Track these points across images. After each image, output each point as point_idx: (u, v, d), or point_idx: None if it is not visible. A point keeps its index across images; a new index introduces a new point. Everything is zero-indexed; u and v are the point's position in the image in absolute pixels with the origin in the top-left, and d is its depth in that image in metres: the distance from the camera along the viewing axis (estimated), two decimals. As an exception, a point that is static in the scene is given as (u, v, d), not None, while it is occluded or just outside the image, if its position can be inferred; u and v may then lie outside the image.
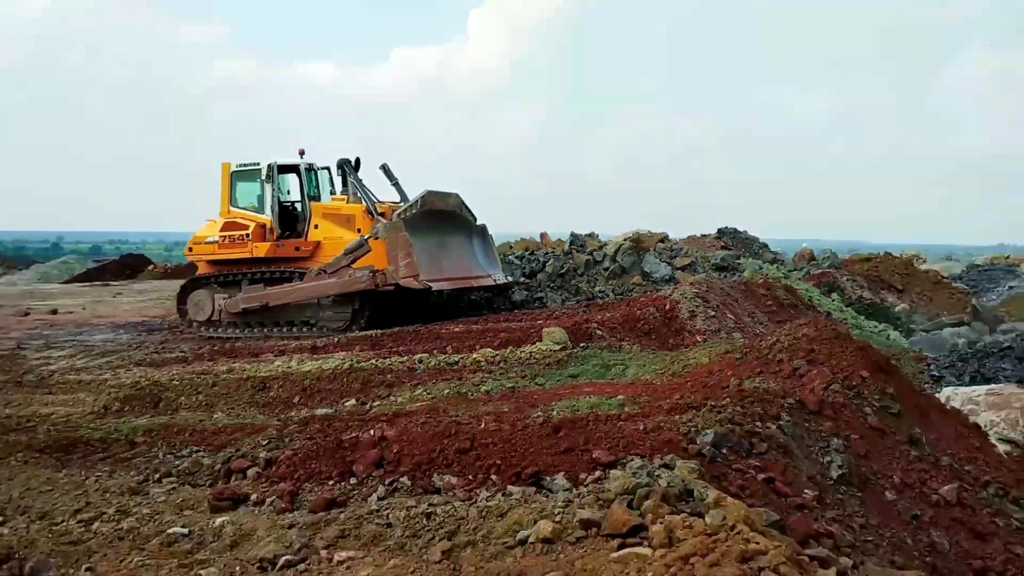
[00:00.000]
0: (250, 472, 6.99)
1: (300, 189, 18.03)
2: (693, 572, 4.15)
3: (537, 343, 12.48)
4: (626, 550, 4.66)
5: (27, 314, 22.19)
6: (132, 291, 30.08)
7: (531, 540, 4.99)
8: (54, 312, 22.37)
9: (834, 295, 21.00)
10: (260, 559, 5.13)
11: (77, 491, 6.80)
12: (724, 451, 6.27)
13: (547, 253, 22.18)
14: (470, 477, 6.20)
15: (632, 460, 6.04)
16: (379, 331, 15.16)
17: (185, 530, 5.69)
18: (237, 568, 5.05)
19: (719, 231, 28.38)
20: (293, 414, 9.58)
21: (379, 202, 17.25)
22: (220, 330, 17.03)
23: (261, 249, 17.05)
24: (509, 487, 5.93)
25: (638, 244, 21.73)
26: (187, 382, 11.26)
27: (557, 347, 12.15)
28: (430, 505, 5.70)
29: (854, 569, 5.42)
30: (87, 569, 5.09)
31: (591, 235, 23.42)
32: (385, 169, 18.00)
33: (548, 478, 6.00)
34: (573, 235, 23.29)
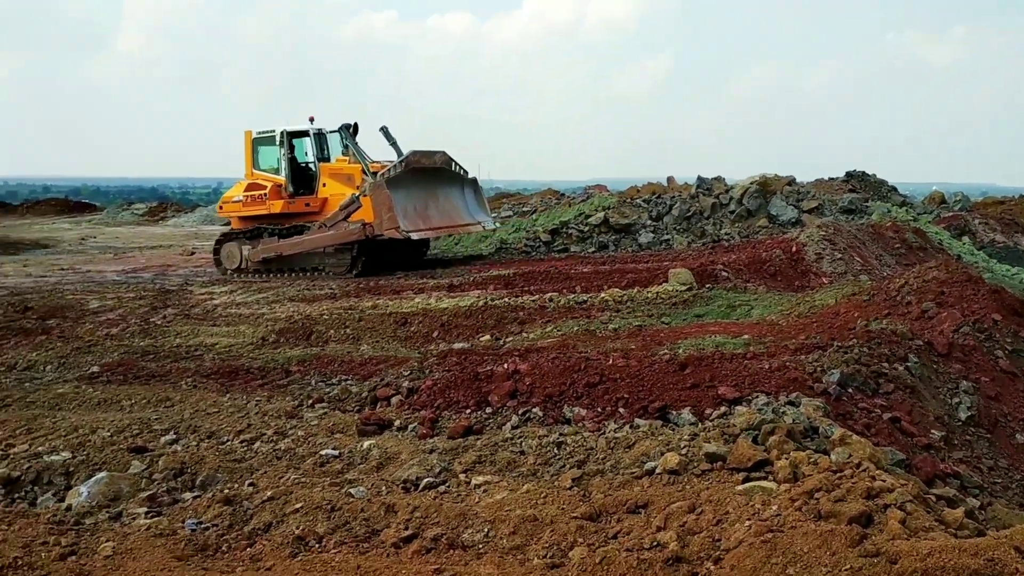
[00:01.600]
0: (394, 400, 7.47)
1: (305, 152, 20.04)
2: (818, 506, 4.27)
3: (663, 284, 12.60)
4: (751, 483, 4.83)
5: (192, 253, 23.95)
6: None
7: (657, 471, 5.22)
8: (216, 252, 24.09)
9: (965, 238, 20.10)
10: (404, 480, 5.55)
11: (239, 414, 7.42)
12: (850, 390, 6.34)
13: (673, 197, 22.02)
14: (599, 409, 6.47)
15: (757, 397, 6.18)
16: (511, 271, 15.64)
17: (336, 452, 6.17)
18: (383, 488, 5.47)
19: (847, 174, 27.37)
20: (432, 347, 10.07)
21: (374, 162, 18.87)
22: (248, 276, 19.11)
23: (276, 206, 19.14)
24: (636, 420, 6.18)
25: (764, 187, 21.29)
26: (336, 317, 11.95)
27: (683, 288, 12.24)
28: (561, 435, 6.00)
29: (981, 510, 5.46)
30: (249, 484, 5.60)
31: (717, 179, 23.03)
32: (384, 131, 19.68)
33: (674, 412, 6.22)
34: (700, 179, 22.97)
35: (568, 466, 5.52)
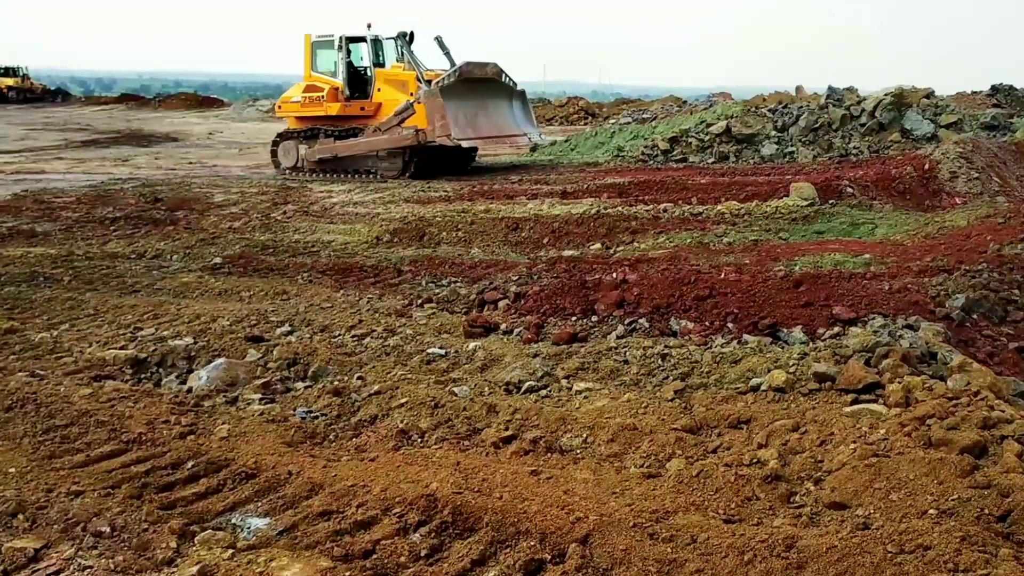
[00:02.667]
0: (501, 304, 7.54)
1: (362, 57, 20.47)
2: (928, 433, 4.13)
3: (784, 198, 12.18)
4: (859, 406, 4.71)
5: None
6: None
7: (763, 387, 5.14)
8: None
9: (1125, 160, 18.58)
10: (506, 382, 5.63)
11: (352, 310, 7.63)
12: (975, 316, 6.04)
13: (801, 107, 20.99)
14: (706, 323, 6.38)
15: (874, 319, 5.96)
16: (626, 180, 15.41)
17: (442, 351, 6.29)
18: (486, 388, 5.56)
19: (992, 88, 25.49)
20: (542, 254, 10.09)
21: (428, 70, 19.47)
22: (303, 175, 19.64)
23: (333, 108, 19.72)
24: (745, 336, 6.05)
25: (900, 100, 20.00)
26: (448, 219, 12.07)
27: (804, 203, 11.81)
28: (666, 347, 5.94)
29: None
30: (358, 378, 5.77)
31: (849, 89, 21.79)
32: (438, 41, 20.08)
33: (785, 330, 6.07)
34: (830, 88, 21.78)
35: (671, 378, 5.48)
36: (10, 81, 57.38)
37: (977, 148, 14.45)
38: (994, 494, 3.46)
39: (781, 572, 3.19)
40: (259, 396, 5.56)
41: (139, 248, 10.66)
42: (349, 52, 20.06)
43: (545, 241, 10.88)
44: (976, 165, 13.54)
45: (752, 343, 5.87)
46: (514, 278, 8.26)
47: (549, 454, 4.58)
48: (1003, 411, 4.33)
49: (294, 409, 5.29)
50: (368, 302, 7.91)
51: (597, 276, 7.56)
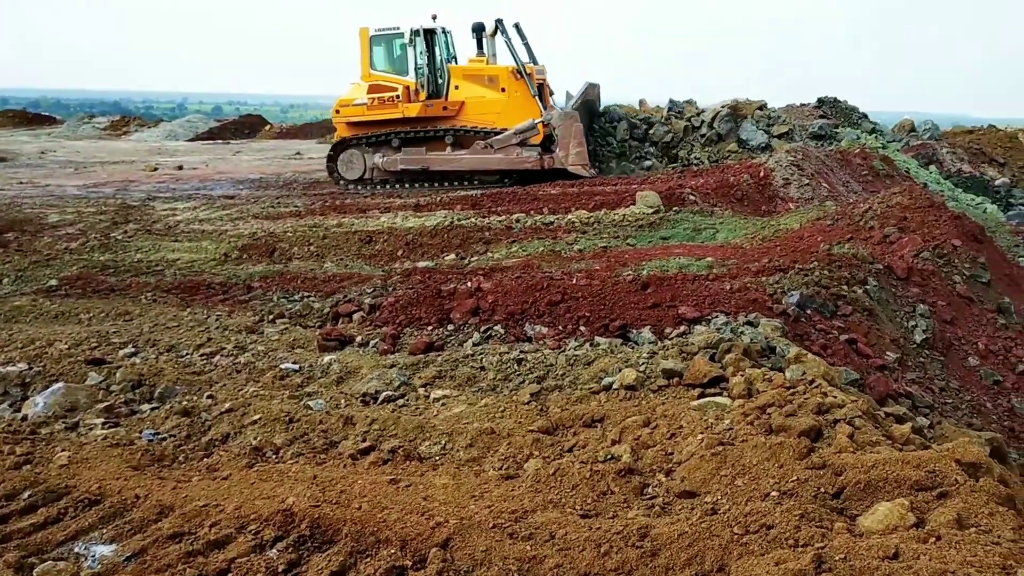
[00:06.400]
0: (356, 316, 7.46)
1: (432, 52, 18.35)
2: (769, 421, 4.33)
3: (631, 206, 12.58)
4: (706, 399, 4.90)
5: (155, 169, 23.44)
6: (251, 149, 31.15)
7: (615, 387, 5.28)
8: (180, 168, 23.60)
9: (932, 167, 20.11)
10: (363, 393, 5.59)
11: (200, 328, 7.37)
12: (808, 312, 6.41)
13: (650, 118, 21.74)
14: (560, 328, 6.51)
15: (717, 317, 6.24)
16: (479, 192, 15.51)
17: (296, 366, 6.17)
18: (342, 401, 5.50)
19: (819, 100, 27.19)
20: (396, 266, 10.04)
21: (527, 63, 17.70)
22: (371, 187, 17.65)
23: (412, 109, 17.54)
24: (597, 338, 6.22)
25: (736, 111, 21.09)
26: (300, 234, 11.84)
27: (650, 210, 12.24)
28: (521, 352, 6.03)
29: (930, 428, 5.59)
30: (208, 396, 5.60)
31: (689, 102, 22.74)
32: (517, 28, 18.24)
33: (634, 331, 6.26)
34: (671, 102, 22.66)
35: (527, 382, 5.57)
36: None
37: (807, 156, 15.37)
38: (829, 473, 3.67)
39: (636, 561, 3.29)
40: (102, 420, 5.29)
41: (-35, 272, 9.94)
42: (429, 45, 17.89)
43: (399, 253, 10.84)
44: (806, 172, 14.40)
45: (604, 344, 6.04)
46: (369, 290, 8.19)
47: (408, 462, 4.56)
48: (835, 397, 4.60)
49: (140, 432, 5.07)
50: (217, 319, 7.67)
51: (452, 286, 7.59)
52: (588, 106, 17.96)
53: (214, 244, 11.54)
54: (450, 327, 6.86)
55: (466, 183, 17.37)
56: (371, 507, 3.80)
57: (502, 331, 6.62)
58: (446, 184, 17.38)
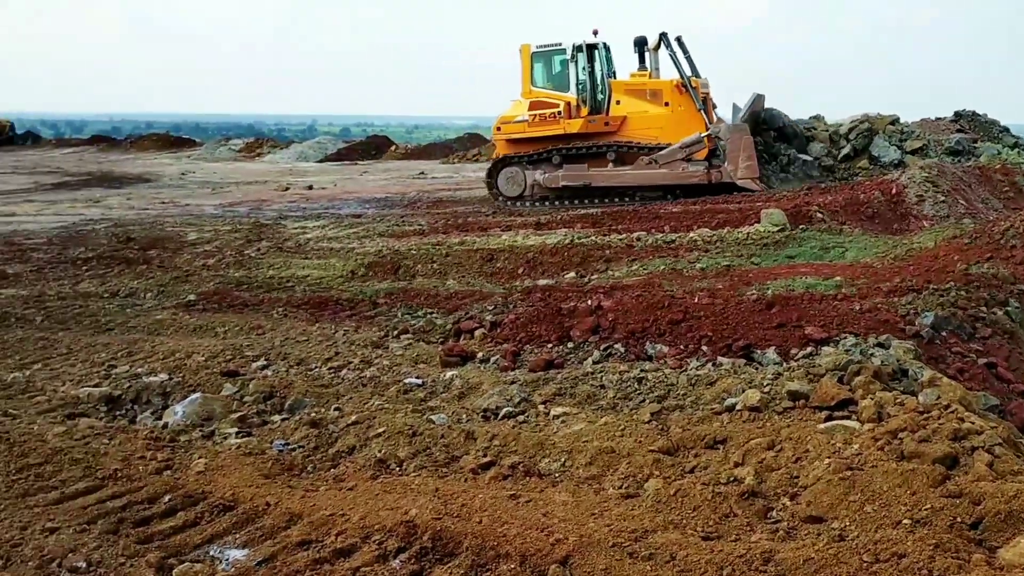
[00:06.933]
0: (477, 333, 7.56)
1: (593, 67, 18.51)
2: (901, 446, 4.17)
3: (755, 224, 12.34)
4: (833, 422, 4.75)
5: (287, 189, 24.59)
6: (377, 169, 32.32)
7: (738, 407, 5.17)
8: (309, 188, 24.72)
9: (1080, 183, 18.97)
10: (484, 409, 5.64)
11: (328, 342, 7.62)
12: (944, 334, 6.13)
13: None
14: (681, 347, 6.42)
15: (846, 338, 6.04)
16: (599, 210, 15.53)
17: (419, 380, 6.29)
18: (463, 415, 5.58)
19: (956, 114, 25.99)
20: (517, 284, 10.14)
21: (692, 76, 17.57)
22: (530, 204, 17.63)
23: (574, 125, 17.66)
24: (719, 358, 6.10)
25: (868, 126, 20.44)
26: (423, 252, 12.09)
27: (775, 228, 11.96)
28: (642, 371, 5.98)
29: (1079, 460, 5.25)
30: (335, 409, 5.77)
31: (817, 117, 22.17)
32: (680, 41, 18.10)
33: (758, 351, 6.12)
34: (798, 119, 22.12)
35: (648, 401, 5.51)
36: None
37: (942, 172, 14.74)
38: (966, 502, 3.51)
39: (760, 586, 3.22)
40: (235, 430, 5.53)
41: (112, 287, 10.59)
42: (591, 61, 18.16)
43: (520, 271, 10.93)
44: (942, 188, 13.80)
45: (726, 365, 5.92)
46: (490, 307, 8.30)
47: (528, 478, 4.59)
48: (973, 423, 4.39)
49: (271, 442, 5.27)
50: (344, 334, 7.91)
51: (572, 303, 7.61)
52: (755, 118, 17.56)
53: (342, 261, 11.93)
54: (570, 345, 6.87)
55: (627, 199, 17.16)
56: (491, 521, 3.84)
57: (622, 350, 6.59)
58: (605, 201, 17.17)
